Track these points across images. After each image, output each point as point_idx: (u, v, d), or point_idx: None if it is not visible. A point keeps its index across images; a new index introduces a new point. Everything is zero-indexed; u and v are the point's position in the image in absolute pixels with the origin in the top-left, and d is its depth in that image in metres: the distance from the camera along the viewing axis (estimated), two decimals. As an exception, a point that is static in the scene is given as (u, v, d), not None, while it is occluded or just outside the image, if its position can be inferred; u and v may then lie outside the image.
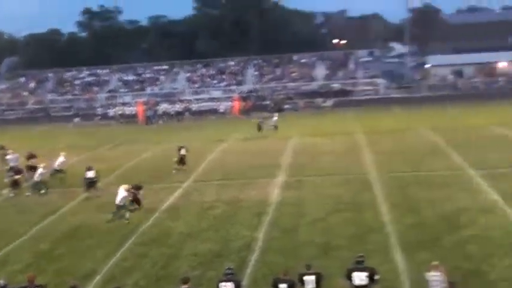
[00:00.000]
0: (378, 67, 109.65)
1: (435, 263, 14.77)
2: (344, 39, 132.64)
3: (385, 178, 29.04)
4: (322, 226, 22.05)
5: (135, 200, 25.23)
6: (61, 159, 32.57)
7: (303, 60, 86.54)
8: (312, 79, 77.60)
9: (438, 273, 14.42)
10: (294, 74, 79.35)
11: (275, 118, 48.40)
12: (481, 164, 30.78)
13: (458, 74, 78.11)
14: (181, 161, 33.49)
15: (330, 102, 67.14)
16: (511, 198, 24.01)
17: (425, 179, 28.44)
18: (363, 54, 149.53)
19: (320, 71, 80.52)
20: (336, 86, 74.04)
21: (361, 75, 79.53)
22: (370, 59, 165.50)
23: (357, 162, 33.53)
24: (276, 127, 47.70)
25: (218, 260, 19.03)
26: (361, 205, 24.55)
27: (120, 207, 24.10)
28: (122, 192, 24.28)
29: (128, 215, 24.06)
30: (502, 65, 79.23)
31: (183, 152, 33.71)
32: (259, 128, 46.63)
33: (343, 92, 71.61)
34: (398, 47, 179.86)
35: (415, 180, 28.11)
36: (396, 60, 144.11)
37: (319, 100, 67.99)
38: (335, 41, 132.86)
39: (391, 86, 74.93)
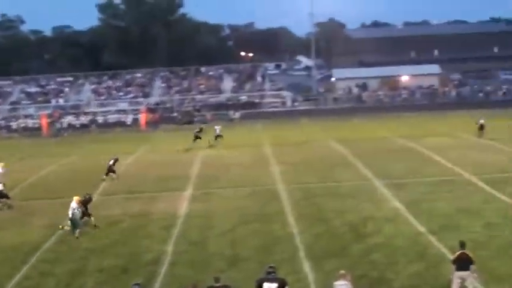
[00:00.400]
0: (284, 80, 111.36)
1: (342, 271, 15.08)
2: (251, 52, 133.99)
3: (292, 189, 29.47)
4: (230, 238, 22.11)
5: (84, 213, 24.27)
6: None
7: (210, 73, 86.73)
8: (220, 91, 77.87)
9: (345, 282, 14.72)
10: (201, 86, 79.37)
11: (218, 127, 47.73)
12: (385, 174, 31.83)
13: (363, 87, 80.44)
14: (110, 170, 33.56)
15: (237, 115, 67.52)
16: (414, 207, 24.99)
17: (332, 189, 29.07)
18: (270, 67, 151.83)
19: (227, 83, 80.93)
20: (243, 98, 74.61)
21: (269, 87, 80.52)
22: (277, 71, 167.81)
23: (264, 174, 33.86)
24: (220, 136, 47.31)
25: (125, 276, 18.70)
26: (269, 216, 24.78)
27: (73, 221, 23.23)
28: (73, 205, 23.41)
29: (77, 233, 23.24)
30: (404, 78, 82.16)
31: (111, 162, 33.89)
32: (196, 139, 45.57)
33: (250, 104, 72.25)
34: (304, 60, 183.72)
35: (322, 191, 28.68)
36: (303, 73, 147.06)
37: (231, 112, 68.17)
38: (242, 53, 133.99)
39: (298, 98, 76.20)
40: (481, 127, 44.60)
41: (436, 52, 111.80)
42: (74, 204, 23.45)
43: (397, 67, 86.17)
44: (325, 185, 30.13)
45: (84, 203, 24.29)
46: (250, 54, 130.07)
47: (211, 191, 30.18)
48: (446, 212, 24.16)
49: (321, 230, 22.53)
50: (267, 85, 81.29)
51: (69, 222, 23.34)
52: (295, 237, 21.79)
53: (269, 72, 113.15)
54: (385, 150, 39.95)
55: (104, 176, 33.78)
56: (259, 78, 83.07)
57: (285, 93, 79.81)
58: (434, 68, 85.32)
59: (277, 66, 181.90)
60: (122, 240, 22.47)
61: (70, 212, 23.24)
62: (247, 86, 79.19)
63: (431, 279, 17.36)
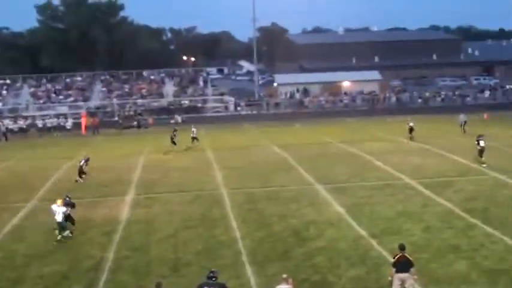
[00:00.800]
0: (227, 84, 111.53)
1: (284, 275, 15.19)
2: (193, 56, 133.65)
3: (235, 194, 29.53)
4: (173, 243, 22.00)
5: (68, 217, 23.57)
6: None
7: (152, 77, 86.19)
8: (162, 96, 77.39)
9: (287, 286, 14.83)
10: (143, 90, 78.73)
11: (194, 129, 47.20)
12: (327, 178, 32.24)
13: (305, 92, 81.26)
14: (81, 172, 33.79)
15: (179, 119, 67.20)
16: (355, 211, 25.40)
17: (275, 194, 29.25)
18: (212, 72, 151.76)
19: (169, 87, 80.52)
20: (185, 102, 74.35)
21: (211, 92, 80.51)
22: (220, 76, 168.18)
23: (207, 179, 33.81)
24: (196, 139, 47.12)
25: (66, 282, 18.40)
26: (212, 221, 24.77)
27: (60, 224, 22.71)
28: (59, 209, 22.74)
29: (66, 233, 22.77)
30: (345, 84, 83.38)
31: (81, 163, 34.12)
32: (172, 140, 45.16)
33: (193, 109, 72.05)
34: (247, 65, 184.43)
35: (265, 196, 28.84)
36: (245, 78, 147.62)
37: (178, 117, 67.70)
38: (184, 57, 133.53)
39: (241, 103, 76.40)
40: (411, 130, 46.01)
41: (376, 58, 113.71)
42: (59, 208, 22.90)
43: (338, 73, 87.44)
44: (268, 189, 30.29)
45: (67, 206, 23.77)
46: (193, 59, 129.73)
47: (153, 195, 29.95)
48: (387, 215, 24.63)
49: (263, 234, 22.65)
50: (210, 90, 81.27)
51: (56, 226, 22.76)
52: (238, 241, 21.85)
53: (211, 76, 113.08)
54: (327, 155, 40.45)
55: (77, 178, 33.76)
56: (201, 83, 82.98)
57: (227, 97, 80.00)
58: (375, 74, 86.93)
59: (220, 71, 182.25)
60: (62, 247, 22.07)
61: (59, 216, 22.70)
62: (190, 91, 78.99)
63: (372, 282, 17.67)
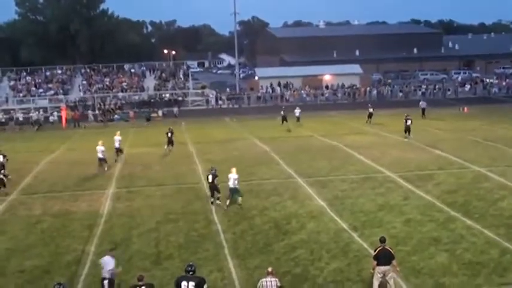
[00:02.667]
0: (208, 78, 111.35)
1: (270, 269, 15.21)
2: (174, 50, 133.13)
3: (217, 187, 29.52)
4: (154, 236, 21.97)
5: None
6: None
7: (132, 70, 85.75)
8: (142, 89, 77.04)
9: (274, 279, 14.85)
10: (123, 84, 78.31)
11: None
12: (309, 172, 32.36)
13: (286, 85, 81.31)
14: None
15: (160, 113, 66.94)
16: (337, 204, 25.54)
17: (257, 187, 29.30)
18: (193, 65, 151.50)
19: (150, 81, 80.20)
20: (166, 96, 74.09)
21: (192, 85, 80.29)
22: (201, 69, 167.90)
23: (188, 172, 33.76)
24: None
25: (47, 276, 18.32)
26: (193, 214, 24.77)
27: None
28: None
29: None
30: (327, 77, 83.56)
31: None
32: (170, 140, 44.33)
33: (173, 102, 71.83)
34: (228, 59, 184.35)
35: (247, 189, 28.78)
36: (226, 71, 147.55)
37: (159, 111, 67.34)
38: (165, 51, 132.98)
39: (222, 96, 76.27)
40: (370, 115, 46.60)
41: (357, 52, 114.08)
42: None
43: (319, 66, 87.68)
44: (249, 183, 30.29)
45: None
46: (173, 52, 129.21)
47: (134, 189, 29.86)
48: (368, 208, 24.78)
49: (245, 227, 22.70)
50: (190, 83, 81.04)
51: None
52: (220, 234, 21.88)
53: (192, 70, 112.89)
54: (308, 148, 40.53)
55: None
56: (182, 76, 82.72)
57: (208, 91, 79.85)
58: (356, 68, 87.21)
59: (201, 65, 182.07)
60: (43, 241, 21.96)
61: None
62: (170, 84, 78.71)
63: (354, 274, 17.78)
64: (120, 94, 74.39)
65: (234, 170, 26.23)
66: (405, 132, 43.58)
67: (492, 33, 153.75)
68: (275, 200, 26.73)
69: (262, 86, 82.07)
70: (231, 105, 73.94)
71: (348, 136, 45.49)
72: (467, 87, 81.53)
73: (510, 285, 16.84)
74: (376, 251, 16.34)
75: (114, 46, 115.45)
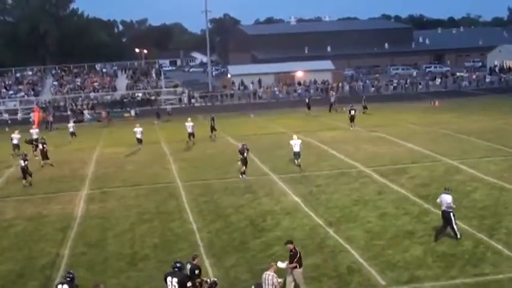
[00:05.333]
0: (180, 76, 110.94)
1: (273, 263, 15.46)
2: (146, 49, 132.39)
3: (191, 186, 29.46)
4: (129, 237, 21.83)
5: None
6: None
7: (104, 70, 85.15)
8: (114, 89, 76.50)
9: (273, 273, 15.00)
10: (95, 84, 77.68)
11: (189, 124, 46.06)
12: (283, 168, 32.44)
13: (259, 82, 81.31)
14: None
15: (133, 112, 66.41)
16: (312, 200, 25.61)
17: (231, 185, 29.27)
18: (165, 64, 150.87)
19: (122, 80, 79.68)
20: (139, 95, 73.68)
21: (164, 84, 79.92)
22: (173, 68, 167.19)
23: (162, 171, 33.62)
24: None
25: (21, 281, 18.12)
26: (168, 214, 24.67)
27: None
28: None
29: None
30: (299, 74, 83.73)
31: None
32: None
33: (146, 102, 71.45)
34: (200, 57, 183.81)
35: (221, 187, 28.82)
36: (199, 69, 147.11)
37: (131, 111, 66.74)
38: (137, 50, 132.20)
39: (194, 95, 76.02)
40: (352, 118, 47.58)
41: (329, 48, 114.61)
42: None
43: (291, 63, 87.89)
44: (224, 181, 30.29)
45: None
46: (145, 51, 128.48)
47: (108, 190, 29.63)
48: (343, 203, 24.89)
49: (220, 225, 22.66)
50: (163, 82, 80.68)
51: None
52: (195, 233, 21.82)
53: (164, 69, 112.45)
54: (282, 145, 40.49)
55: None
56: (154, 75, 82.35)
57: (181, 89, 79.56)
58: (328, 64, 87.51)
59: (173, 63, 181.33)
60: (16, 244, 21.70)
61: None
62: (142, 83, 78.29)
63: (330, 269, 17.85)
64: (92, 94, 73.79)
65: (295, 136, 33.68)
66: (350, 121, 46.81)
67: (461, 28, 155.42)
68: (250, 197, 26.73)
69: (234, 84, 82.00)
70: (204, 104, 73.75)
71: (320, 132, 45.59)
72: (438, 80, 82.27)
73: (484, 275, 17.01)
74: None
75: (85, 46, 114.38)
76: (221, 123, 54.61)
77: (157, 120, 59.51)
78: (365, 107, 56.14)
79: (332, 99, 59.79)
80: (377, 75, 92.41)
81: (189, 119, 44.05)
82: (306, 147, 38.65)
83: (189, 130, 42.89)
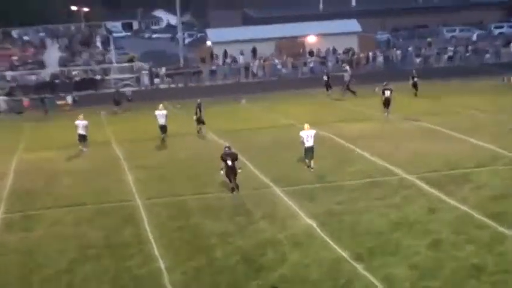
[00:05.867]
0: (138, 46, 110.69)
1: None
2: (87, 6, 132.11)
3: (156, 205, 29.45)
4: (66, 282, 21.75)
5: None
6: None
7: (26, 38, 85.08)
8: (42, 65, 76.36)
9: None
10: (13, 58, 77.53)
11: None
12: (289, 178, 32.44)
13: (252, 53, 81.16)
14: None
15: (69, 99, 66.20)
16: (331, 223, 25.53)
17: (215, 203, 29.25)
18: (115, 28, 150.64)
19: (53, 52, 79.63)
20: (77, 74, 73.51)
21: (115, 57, 79.80)
22: (128, 33, 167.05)
23: (113, 185, 33.57)
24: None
25: None
26: (123, 247, 24.60)
27: None
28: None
29: None
30: (311, 40, 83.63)
31: None
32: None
33: (88, 83, 71.27)
34: (166, 17, 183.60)
35: (200, 206, 28.75)
36: (164, 35, 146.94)
37: (68, 97, 66.57)
38: (74, 8, 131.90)
39: (159, 72, 75.81)
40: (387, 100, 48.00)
41: (353, 2, 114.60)
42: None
43: (299, 24, 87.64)
44: (204, 196, 30.26)
45: None
46: (86, 9, 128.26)
47: (34, 213, 29.55)
48: (377, 228, 24.82)
49: (200, 263, 22.59)
50: (113, 54, 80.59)
51: None
52: (163, 276, 21.78)
53: (115, 35, 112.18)
54: (287, 143, 40.45)
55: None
56: (100, 45, 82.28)
57: (139, 65, 79.39)
58: (352, 25, 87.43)
59: (127, 26, 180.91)
60: None
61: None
62: (83, 57, 78.18)
63: (361, 324, 17.78)
64: (9, 73, 73.58)
65: (307, 125, 34.23)
66: (384, 106, 47.65)
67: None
68: (243, 221, 26.64)
69: (217, 56, 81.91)
70: (173, 85, 73.58)
71: (343, 123, 45.56)
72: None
73: None
74: None
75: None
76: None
77: (116, 108, 59.47)
78: (415, 84, 56.19)
79: (346, 78, 59.79)
80: (429, 39, 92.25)
81: (161, 105, 44.85)
82: (322, 146, 38.70)
83: (161, 122, 43.73)
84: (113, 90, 67.93)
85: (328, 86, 59.30)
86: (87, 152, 41.13)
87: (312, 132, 33.70)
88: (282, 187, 30.99)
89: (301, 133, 33.83)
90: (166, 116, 44.17)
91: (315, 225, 25.59)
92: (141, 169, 36.30)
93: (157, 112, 44.18)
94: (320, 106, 54.74)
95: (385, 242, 23.42)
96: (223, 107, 57.54)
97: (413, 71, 60.22)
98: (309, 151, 33.56)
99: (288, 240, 24.13)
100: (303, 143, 33.64)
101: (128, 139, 45.23)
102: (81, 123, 41.92)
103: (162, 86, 73.05)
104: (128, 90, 67.55)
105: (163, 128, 43.93)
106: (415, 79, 56.58)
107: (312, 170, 33.25)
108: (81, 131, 41.76)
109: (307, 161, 33.68)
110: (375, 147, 37.71)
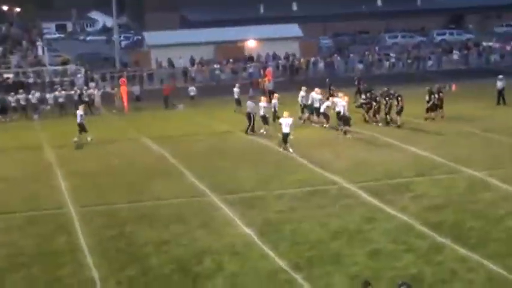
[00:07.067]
0: (72, 48, 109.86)
1: None
2: (18, 5, 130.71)
3: (90, 214, 29.27)
4: (-4, 292, 21.61)
5: None
6: None
7: None
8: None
9: None
10: None
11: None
12: (228, 186, 32.52)
13: (191, 58, 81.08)
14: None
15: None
16: (270, 232, 25.66)
17: (151, 211, 29.21)
18: (48, 29, 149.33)
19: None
20: (10, 77, 72.67)
21: (48, 60, 79.04)
22: (61, 35, 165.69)
23: (45, 192, 33.29)
24: None
25: None
26: (54, 256, 24.44)
27: None
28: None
29: None
30: (251, 44, 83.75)
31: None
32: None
33: (18, 88, 70.40)
34: (102, 19, 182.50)
35: (135, 215, 28.66)
36: (100, 38, 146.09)
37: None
38: (4, 7, 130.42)
39: (94, 76, 75.21)
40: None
41: (294, 6, 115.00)
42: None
43: (239, 28, 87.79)
44: (139, 205, 30.18)
45: None
46: (17, 9, 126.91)
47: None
48: (317, 237, 25.02)
49: (135, 272, 22.57)
50: (46, 57, 79.82)
51: None
52: (97, 286, 21.69)
53: (48, 36, 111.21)
54: (226, 150, 40.60)
55: None
56: (30, 46, 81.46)
57: (73, 68, 78.71)
58: (294, 30, 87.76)
59: (61, 28, 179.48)
60: None
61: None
62: (13, 59, 77.33)
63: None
64: None
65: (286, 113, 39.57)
66: (428, 110, 47.93)
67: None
68: (179, 229, 26.66)
69: (155, 59, 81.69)
70: (108, 89, 73.11)
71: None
72: (456, 54, 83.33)
73: None
74: None
75: None
76: (134, 119, 54.43)
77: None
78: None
79: (270, 86, 60.50)
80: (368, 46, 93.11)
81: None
82: (261, 153, 38.98)
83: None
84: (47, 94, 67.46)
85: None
86: (16, 156, 40.77)
87: (290, 120, 39.04)
88: (220, 195, 31.05)
89: (281, 120, 39.42)
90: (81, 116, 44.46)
91: (253, 234, 25.71)
92: (75, 176, 36.08)
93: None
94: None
95: (324, 251, 23.60)
96: (160, 112, 57.41)
97: (354, 77, 61.07)
98: (285, 137, 39.01)
99: (225, 249, 24.21)
100: (280, 129, 39.21)
101: (60, 144, 44.84)
102: None
103: (97, 91, 72.38)
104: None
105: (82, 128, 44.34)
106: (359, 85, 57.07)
107: (288, 150, 38.79)
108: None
109: (283, 145, 39.15)
110: (315, 154, 37.95)
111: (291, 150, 38.68)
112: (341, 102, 43.78)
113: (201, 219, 27.75)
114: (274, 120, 45.99)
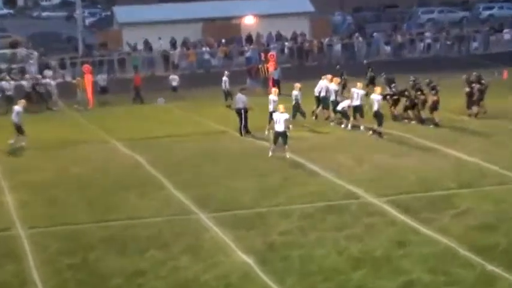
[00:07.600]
0: (25, 27, 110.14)
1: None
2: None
3: (43, 236, 29.16)
4: None
5: None
6: None
7: None
8: None
9: None
10: None
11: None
12: (218, 201, 32.43)
13: (172, 39, 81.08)
14: None
15: None
16: (272, 260, 25.45)
17: (122, 233, 29.07)
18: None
19: None
20: None
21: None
22: (10, 11, 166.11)
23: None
24: None
25: None
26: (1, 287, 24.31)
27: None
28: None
29: None
30: (249, 21, 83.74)
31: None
32: None
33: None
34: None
35: (102, 237, 28.52)
36: (59, 14, 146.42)
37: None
38: None
39: (51, 62, 75.30)
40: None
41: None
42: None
43: (235, 1, 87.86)
44: (107, 225, 30.07)
45: None
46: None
47: None
48: (334, 265, 24.86)
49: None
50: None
51: None
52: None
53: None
54: (217, 156, 40.49)
55: None
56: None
57: (24, 52, 78.84)
58: (303, 3, 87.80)
59: (9, 2, 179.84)
60: None
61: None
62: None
63: None
64: None
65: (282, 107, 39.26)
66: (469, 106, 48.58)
67: None
68: (157, 256, 26.47)
69: (128, 42, 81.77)
70: (68, 79, 73.08)
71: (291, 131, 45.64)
72: (508, 33, 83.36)
73: None
74: None
75: None
76: (102, 117, 54.44)
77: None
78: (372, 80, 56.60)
79: (275, 75, 60.38)
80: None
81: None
82: (261, 159, 38.81)
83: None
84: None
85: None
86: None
87: (286, 115, 38.28)
88: (210, 212, 30.88)
89: (274, 115, 39.34)
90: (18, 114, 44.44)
91: (252, 262, 25.52)
92: (25, 188, 35.92)
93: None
94: (259, 106, 54.76)
95: (343, 283, 23.43)
96: (134, 107, 57.42)
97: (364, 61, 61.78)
98: (278, 137, 38.29)
99: (217, 282, 24.01)
100: (272, 127, 39.35)
101: (6, 149, 44.77)
102: None
103: (58, 80, 72.15)
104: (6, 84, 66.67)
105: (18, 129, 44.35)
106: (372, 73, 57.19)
107: (285, 154, 38.34)
108: None
109: (272, 147, 38.95)
110: (330, 160, 37.87)
111: (287, 155, 38.28)
112: (376, 97, 43.40)
113: (186, 244, 27.55)
114: (304, 116, 47.67)
